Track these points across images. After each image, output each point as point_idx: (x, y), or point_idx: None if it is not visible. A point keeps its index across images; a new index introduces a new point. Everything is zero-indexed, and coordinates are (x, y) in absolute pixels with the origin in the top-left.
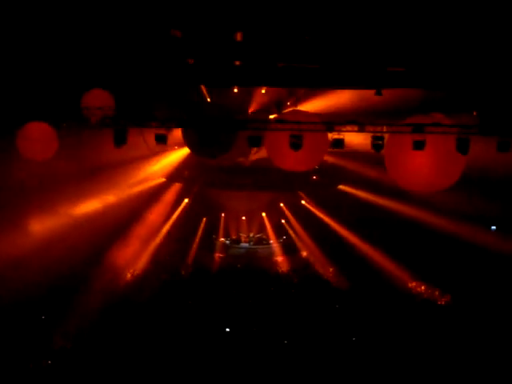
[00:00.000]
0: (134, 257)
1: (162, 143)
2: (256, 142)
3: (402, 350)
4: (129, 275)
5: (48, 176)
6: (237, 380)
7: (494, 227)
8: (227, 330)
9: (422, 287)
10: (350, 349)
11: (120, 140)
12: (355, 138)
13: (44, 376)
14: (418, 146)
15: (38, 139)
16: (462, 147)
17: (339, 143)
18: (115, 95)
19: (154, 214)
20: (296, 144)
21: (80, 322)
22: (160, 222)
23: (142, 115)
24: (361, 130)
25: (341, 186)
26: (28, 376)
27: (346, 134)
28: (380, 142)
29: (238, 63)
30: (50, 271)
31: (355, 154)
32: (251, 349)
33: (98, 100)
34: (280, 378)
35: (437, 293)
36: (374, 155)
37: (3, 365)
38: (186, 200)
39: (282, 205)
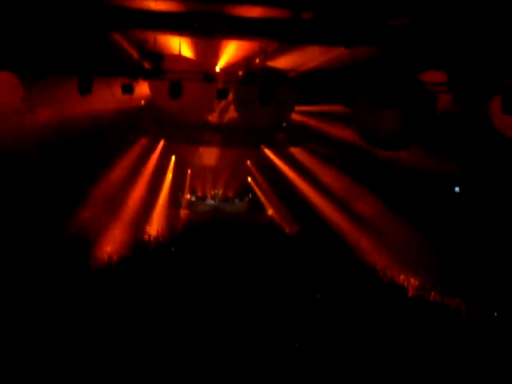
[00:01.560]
0: (99, 212)
1: (129, 93)
2: (223, 95)
3: (360, 306)
4: (93, 230)
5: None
6: (196, 340)
7: (457, 188)
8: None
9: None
10: (314, 306)
11: (85, 88)
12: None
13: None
14: (387, 103)
15: (1, 89)
16: (431, 104)
17: (308, 98)
18: (81, 43)
19: (120, 169)
20: (266, 99)
21: (41, 277)
22: (126, 176)
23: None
24: (329, 85)
25: (307, 144)
26: None
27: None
28: (348, 99)
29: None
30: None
31: (323, 113)
32: (213, 307)
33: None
34: (243, 336)
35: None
36: (342, 114)
37: None
38: (153, 156)
39: (248, 162)
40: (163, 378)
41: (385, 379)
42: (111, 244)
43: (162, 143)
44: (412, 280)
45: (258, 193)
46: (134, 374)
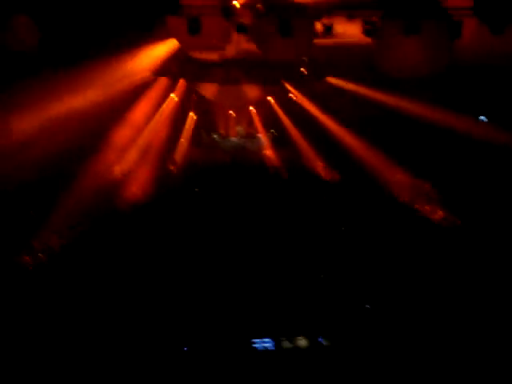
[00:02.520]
0: (122, 154)
1: (148, 31)
2: (243, 29)
3: (388, 240)
4: (117, 172)
5: (29, 70)
6: (224, 277)
7: (483, 117)
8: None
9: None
10: (341, 239)
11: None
12: (345, 28)
13: (35, 273)
14: (412, 29)
15: (19, 31)
16: (455, 30)
17: (328, 29)
18: None
19: (141, 110)
20: (285, 30)
21: (69, 219)
22: (147, 117)
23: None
24: (351, 15)
25: (329, 79)
26: (18, 272)
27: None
28: (371, 27)
29: None
30: (33, 169)
31: (344, 47)
32: (240, 244)
33: None
34: (270, 271)
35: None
36: (364, 46)
37: None
38: (173, 95)
39: (270, 99)
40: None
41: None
42: (136, 184)
43: (182, 82)
44: (439, 212)
45: (282, 128)
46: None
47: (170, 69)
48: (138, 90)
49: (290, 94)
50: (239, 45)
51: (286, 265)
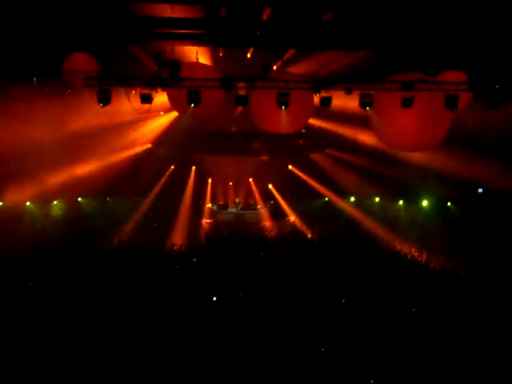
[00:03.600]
0: (121, 224)
1: (148, 103)
2: (242, 101)
3: (391, 308)
4: (115, 242)
5: (29, 142)
6: (225, 347)
7: (480, 189)
8: (214, 298)
9: (412, 250)
10: (340, 310)
11: (104, 99)
12: (342, 102)
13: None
14: (407, 103)
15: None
16: (451, 103)
17: (327, 101)
18: (98, 56)
19: (140, 181)
20: (283, 102)
21: (68, 287)
22: (146, 188)
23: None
24: (348, 88)
25: (328, 150)
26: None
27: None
28: (368, 100)
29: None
30: (29, 241)
31: (342, 118)
32: (238, 315)
33: (80, 64)
34: (269, 342)
35: (424, 255)
36: (360, 118)
37: None
38: (172, 167)
39: (269, 170)
40: None
41: None
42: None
43: (181, 153)
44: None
45: (280, 199)
46: None
47: (169, 140)
48: (137, 160)
49: (289, 166)
50: (238, 117)
51: (286, 337)
